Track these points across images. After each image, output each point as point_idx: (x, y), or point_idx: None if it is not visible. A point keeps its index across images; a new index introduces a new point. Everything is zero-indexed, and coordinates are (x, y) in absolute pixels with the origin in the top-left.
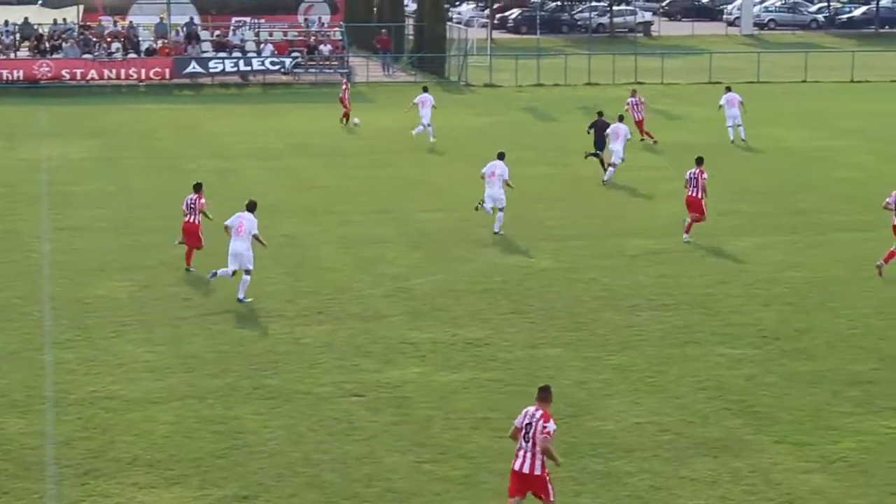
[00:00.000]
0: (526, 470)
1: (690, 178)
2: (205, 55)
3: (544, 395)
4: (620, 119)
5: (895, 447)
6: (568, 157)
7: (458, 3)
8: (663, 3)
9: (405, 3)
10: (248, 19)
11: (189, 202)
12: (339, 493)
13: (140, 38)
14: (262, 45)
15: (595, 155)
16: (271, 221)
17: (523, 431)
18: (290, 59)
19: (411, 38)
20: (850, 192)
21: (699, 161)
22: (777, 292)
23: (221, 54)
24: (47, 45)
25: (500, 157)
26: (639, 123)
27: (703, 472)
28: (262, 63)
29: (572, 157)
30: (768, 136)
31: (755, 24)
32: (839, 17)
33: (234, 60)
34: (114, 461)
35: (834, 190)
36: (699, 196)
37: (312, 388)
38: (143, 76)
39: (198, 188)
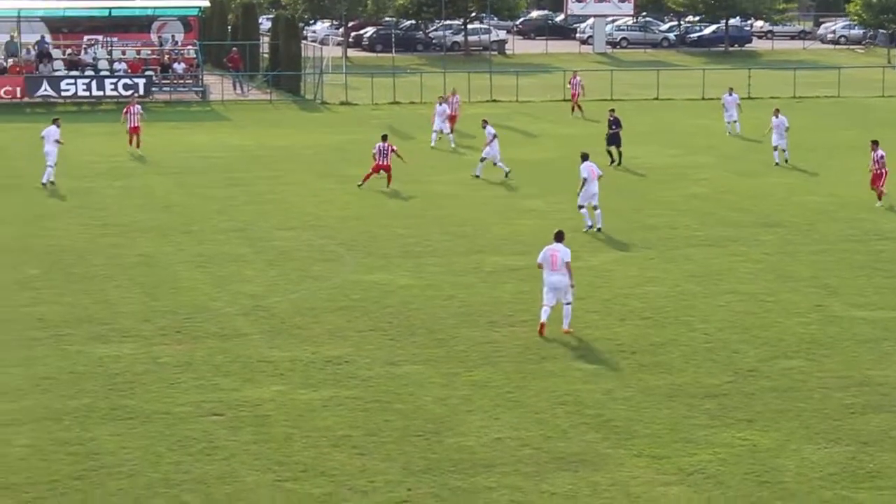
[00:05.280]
0: None
1: (877, 160)
2: (57, 74)
3: None
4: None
5: (749, 458)
6: (424, 174)
7: (312, 21)
8: (517, 22)
9: (260, 21)
10: (100, 37)
11: (382, 149)
12: None
13: None
14: (114, 64)
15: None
16: (126, 241)
17: None
18: (144, 80)
19: (267, 56)
20: (702, 208)
21: (876, 143)
22: (633, 307)
23: (74, 73)
24: None
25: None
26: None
27: (563, 487)
28: (115, 87)
29: (428, 174)
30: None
31: (608, 43)
32: (689, 35)
33: (87, 82)
34: None
35: (686, 205)
36: (881, 171)
37: (171, 407)
38: None
39: (385, 138)
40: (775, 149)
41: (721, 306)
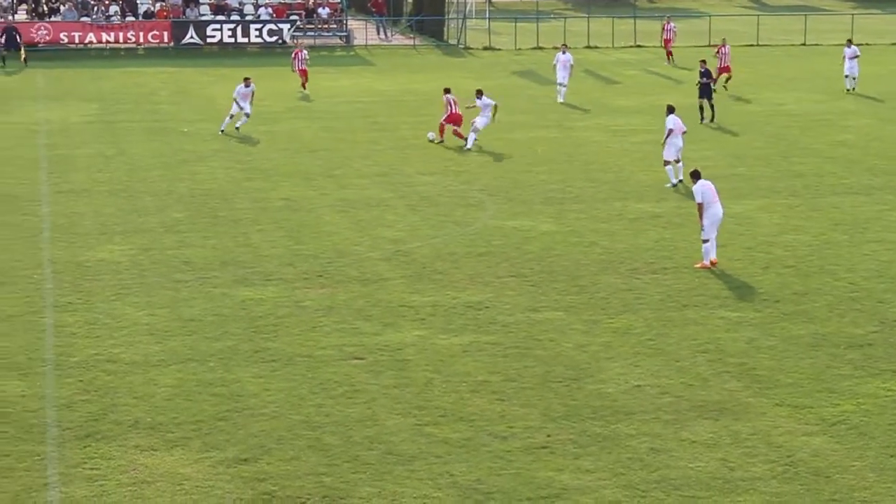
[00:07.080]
0: None
1: None
2: (203, 18)
3: None
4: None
5: (894, 409)
6: (566, 120)
7: None
8: None
9: None
10: None
11: (449, 100)
12: (340, 455)
13: (138, 1)
14: (259, 8)
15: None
16: (270, 185)
17: None
18: (289, 26)
19: (410, 1)
20: (850, 155)
21: None
22: (777, 255)
23: (220, 17)
24: (45, 7)
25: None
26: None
27: (704, 435)
28: (260, 34)
29: (571, 120)
30: (767, 100)
31: None
32: None
33: (232, 28)
34: (115, 424)
35: (833, 153)
36: None
37: (313, 351)
38: (141, 39)
39: (448, 90)
40: None
41: (867, 255)
